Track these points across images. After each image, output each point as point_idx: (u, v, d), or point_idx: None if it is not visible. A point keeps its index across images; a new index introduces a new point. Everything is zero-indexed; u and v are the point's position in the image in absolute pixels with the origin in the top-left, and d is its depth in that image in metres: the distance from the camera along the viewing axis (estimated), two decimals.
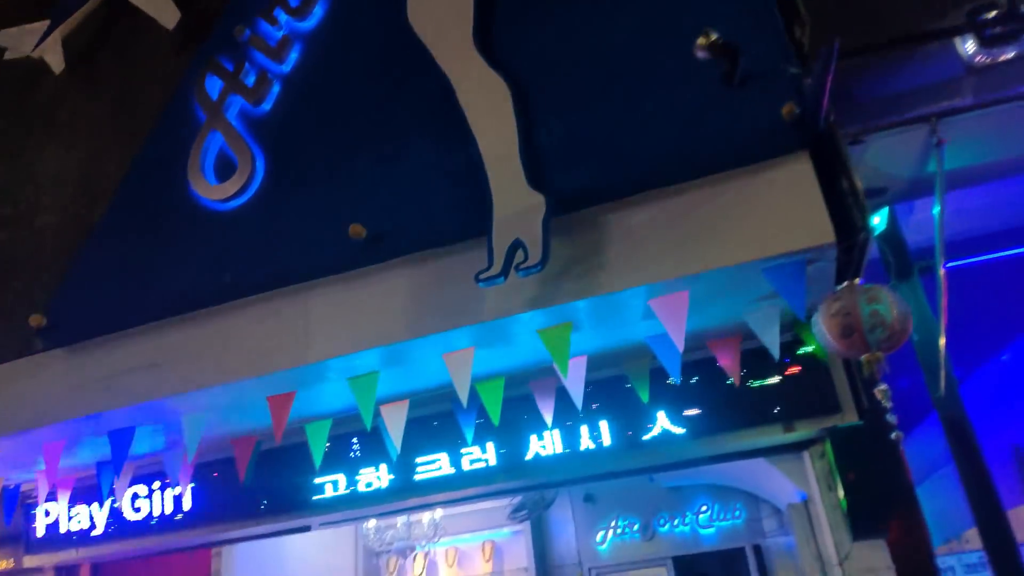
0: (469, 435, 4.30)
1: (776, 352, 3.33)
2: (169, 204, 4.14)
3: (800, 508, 5.47)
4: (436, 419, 4.64)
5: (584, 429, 4.40)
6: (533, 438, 4.48)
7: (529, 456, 4.47)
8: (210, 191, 4.00)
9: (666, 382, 3.96)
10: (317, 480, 4.84)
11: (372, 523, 6.13)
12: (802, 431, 4.19)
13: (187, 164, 4.10)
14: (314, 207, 3.81)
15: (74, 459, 4.68)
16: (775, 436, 4.23)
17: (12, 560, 5.64)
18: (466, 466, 4.57)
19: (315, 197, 3.82)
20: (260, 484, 4.91)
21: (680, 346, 3.15)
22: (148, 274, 4.12)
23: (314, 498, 4.85)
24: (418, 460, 4.68)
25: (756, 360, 3.86)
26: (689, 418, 4.22)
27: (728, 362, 3.75)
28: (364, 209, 3.62)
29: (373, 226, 3.52)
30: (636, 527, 7.58)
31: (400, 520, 6.13)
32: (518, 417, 4.43)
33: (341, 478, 4.82)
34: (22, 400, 4.49)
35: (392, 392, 4.12)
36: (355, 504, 4.87)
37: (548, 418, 4.10)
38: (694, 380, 4.23)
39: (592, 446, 4.37)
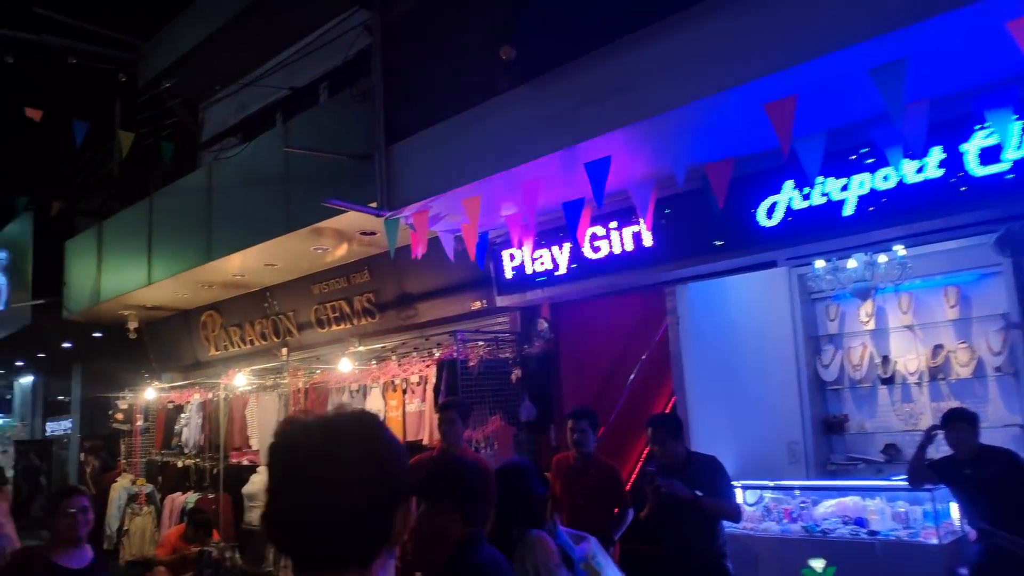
0: None
1: None
2: None
3: None
4: None
5: None
6: None
7: None
8: None
9: None
10: (774, 212, 4.38)
11: (821, 264, 5.68)
12: None
13: None
14: None
15: (539, 201, 4.76)
16: None
17: (483, 300, 6.26)
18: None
19: None
20: (720, 218, 4.60)
21: None
22: None
23: (770, 228, 4.42)
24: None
25: None
26: None
27: None
28: None
29: None
30: None
31: (853, 261, 5.60)
32: None
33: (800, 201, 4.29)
34: (493, 141, 4.57)
35: None
36: (827, 234, 4.36)
37: None
38: None
39: None
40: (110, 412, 10.09)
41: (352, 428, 1.08)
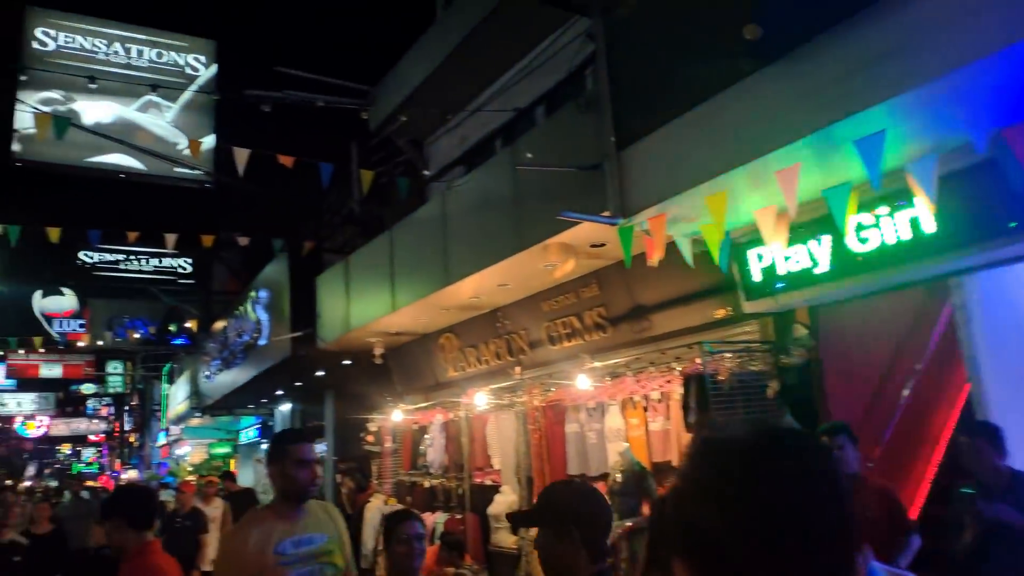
0: None
1: None
2: None
3: None
4: None
5: None
6: None
7: None
8: None
9: None
10: None
11: None
12: None
13: None
14: None
15: (793, 190, 4.30)
16: None
17: (728, 307, 5.83)
18: None
19: None
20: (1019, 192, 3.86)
21: None
22: None
23: None
24: None
25: None
26: None
27: None
28: None
29: None
30: None
31: None
32: None
33: None
34: (737, 130, 4.20)
35: None
36: None
37: None
38: None
39: None
40: (361, 435, 10.80)
41: None
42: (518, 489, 8.01)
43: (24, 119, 10.12)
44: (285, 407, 18.63)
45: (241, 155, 7.41)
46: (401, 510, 4.19)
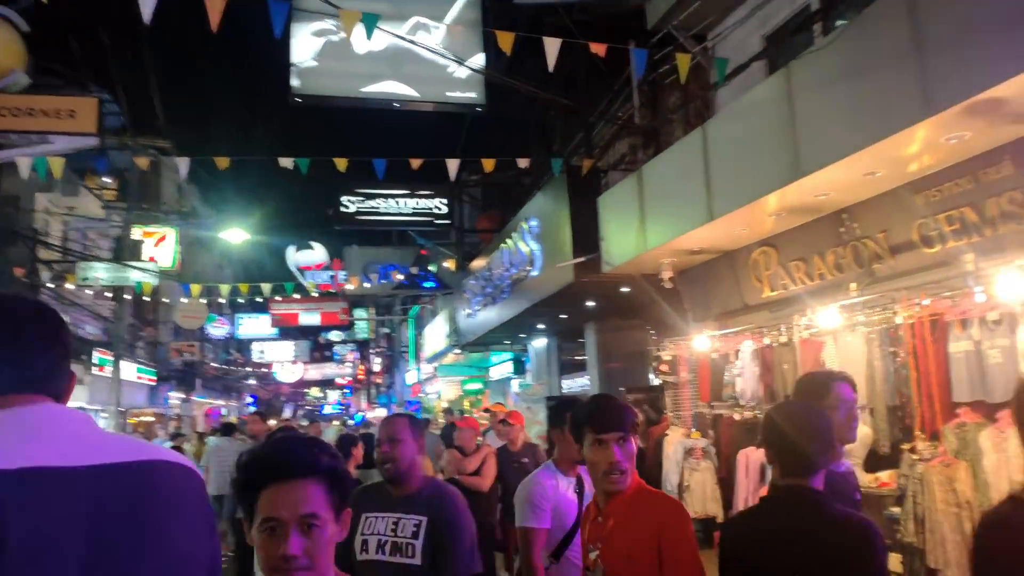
0: None
1: None
2: None
3: None
4: None
5: None
6: None
7: None
8: None
9: None
10: None
11: None
12: None
13: None
14: None
15: None
16: None
17: None
18: None
19: None
20: None
21: None
22: None
23: None
24: None
25: None
26: None
27: None
28: None
29: None
30: None
31: None
32: None
33: None
34: None
35: None
36: None
37: None
38: None
39: None
40: (653, 364, 10.01)
41: None
42: (871, 420, 6.77)
43: (302, 51, 10.17)
44: (540, 342, 18.46)
45: (552, 46, 6.59)
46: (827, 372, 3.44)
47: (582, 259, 9.86)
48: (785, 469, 2.29)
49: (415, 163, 9.63)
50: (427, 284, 23.73)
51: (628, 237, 9.01)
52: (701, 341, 8.84)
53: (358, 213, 17.73)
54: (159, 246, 20.26)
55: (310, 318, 35.35)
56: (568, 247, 10.26)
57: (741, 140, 6.87)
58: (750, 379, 8.46)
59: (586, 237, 9.97)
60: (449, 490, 2.89)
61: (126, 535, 1.20)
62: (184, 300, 24.26)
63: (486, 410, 20.78)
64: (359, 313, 42.24)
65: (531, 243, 11.97)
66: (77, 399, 21.17)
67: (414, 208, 17.58)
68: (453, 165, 9.37)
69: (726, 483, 8.57)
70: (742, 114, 6.92)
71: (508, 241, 13.09)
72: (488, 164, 10.02)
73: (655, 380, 13.96)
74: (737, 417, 8.70)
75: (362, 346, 57.76)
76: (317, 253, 28.19)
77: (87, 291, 20.04)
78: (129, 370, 21.96)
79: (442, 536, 2.72)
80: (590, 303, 12.43)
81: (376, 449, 2.86)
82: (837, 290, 7.23)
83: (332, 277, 29.35)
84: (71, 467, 1.20)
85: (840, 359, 7.19)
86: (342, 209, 17.62)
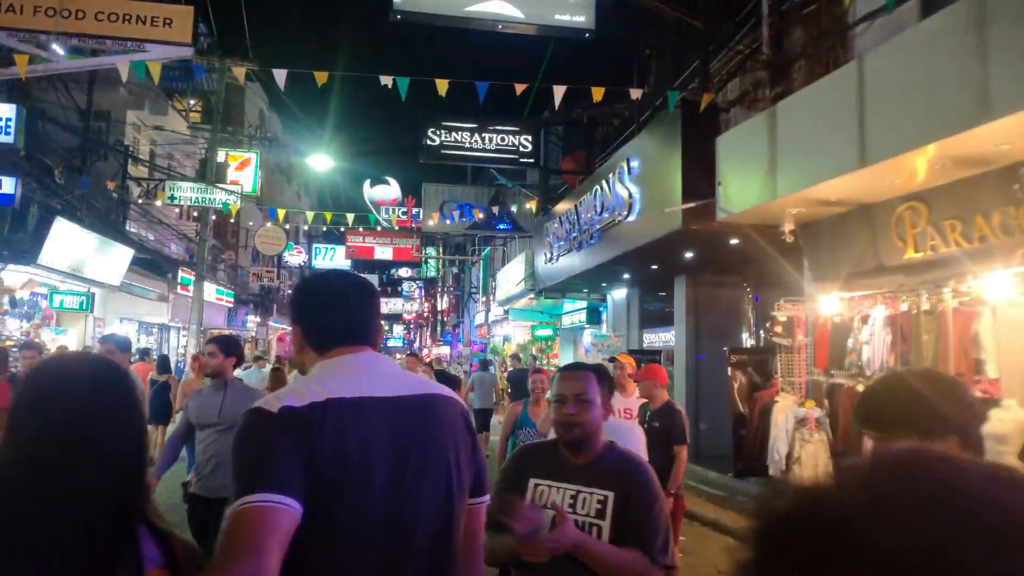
0: None
1: None
2: None
3: None
4: None
5: None
6: None
7: None
8: None
9: None
10: None
11: None
12: None
13: None
14: None
15: None
16: None
17: None
18: None
19: None
20: None
21: None
22: None
23: None
24: None
25: None
26: None
27: None
28: None
29: None
30: None
31: None
32: None
33: None
34: None
35: None
36: None
37: None
38: None
39: None
40: (767, 325, 9.29)
41: None
42: None
43: None
44: (620, 292, 17.79)
45: None
46: None
47: (693, 204, 9.11)
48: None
49: (519, 88, 8.96)
50: (501, 226, 23.19)
51: (752, 183, 8.20)
52: (829, 302, 8.05)
53: (443, 147, 17.19)
54: (242, 170, 20.21)
55: (383, 252, 35.34)
56: (676, 192, 9.50)
57: (909, 76, 5.97)
58: (880, 348, 7.68)
59: (697, 181, 9.18)
60: (638, 460, 2.34)
61: (416, 447, 1.68)
62: (268, 224, 24.33)
63: (611, 359, 20.27)
64: (430, 252, 42.15)
65: (629, 185, 11.22)
66: (161, 316, 21.64)
67: (499, 145, 16.91)
68: (559, 92, 8.66)
69: (841, 459, 7.89)
70: (913, 47, 5.99)
71: (602, 183, 12.36)
72: (597, 93, 9.26)
73: (748, 340, 13.21)
74: (860, 388, 7.95)
75: (429, 284, 58.01)
76: (392, 189, 27.92)
77: (173, 211, 20.18)
78: (209, 291, 22.24)
79: (636, 517, 2.18)
80: (689, 254, 11.66)
81: (555, 407, 2.32)
82: (1000, 255, 6.35)
83: (406, 213, 29.11)
84: (385, 397, 1.69)
85: (998, 334, 6.38)
86: (428, 143, 17.11)
